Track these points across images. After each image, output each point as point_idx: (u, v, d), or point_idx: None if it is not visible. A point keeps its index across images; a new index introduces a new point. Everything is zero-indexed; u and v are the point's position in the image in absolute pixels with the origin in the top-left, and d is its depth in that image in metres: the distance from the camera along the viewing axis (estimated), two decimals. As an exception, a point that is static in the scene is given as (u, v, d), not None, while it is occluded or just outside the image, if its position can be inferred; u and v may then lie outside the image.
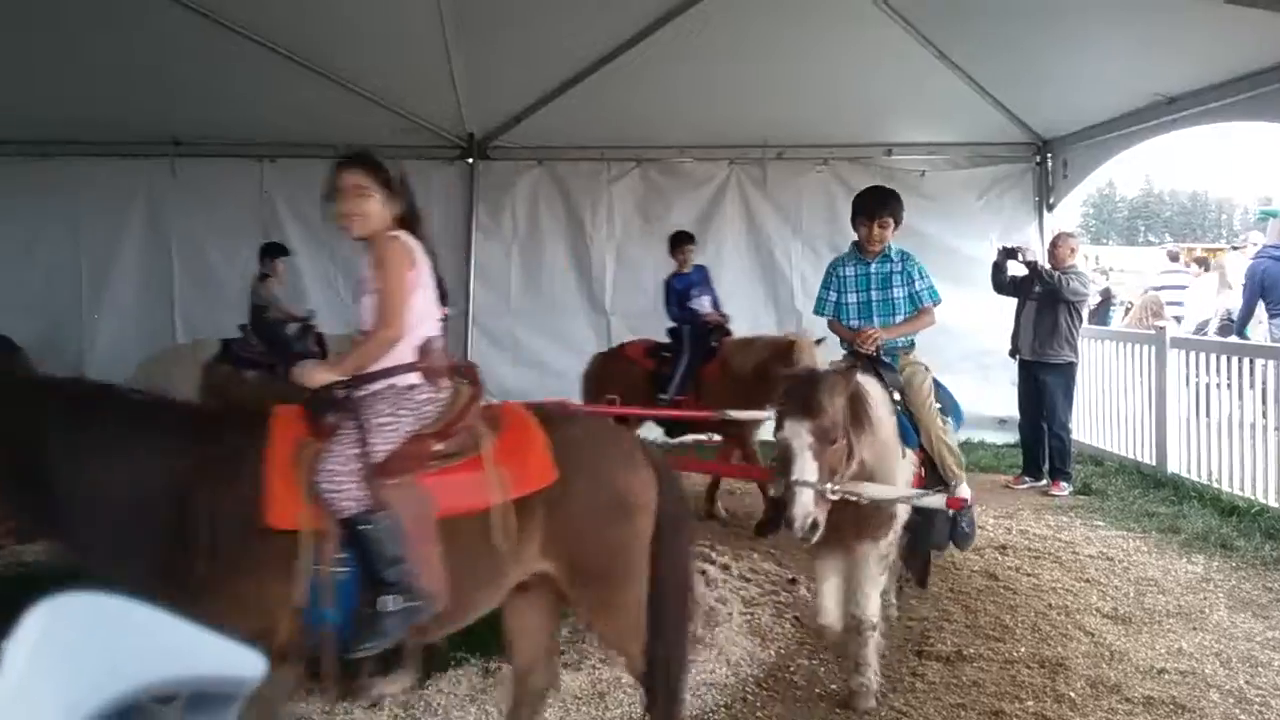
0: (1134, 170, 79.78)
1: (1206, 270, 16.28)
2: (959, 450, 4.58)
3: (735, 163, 10.55)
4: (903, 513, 4.34)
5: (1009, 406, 9.34)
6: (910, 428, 4.41)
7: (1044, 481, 8.46)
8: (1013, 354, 8.72)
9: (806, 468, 3.69)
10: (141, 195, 10.23)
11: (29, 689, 0.46)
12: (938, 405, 4.58)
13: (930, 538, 4.70)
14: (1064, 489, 8.29)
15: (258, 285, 8.67)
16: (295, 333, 8.62)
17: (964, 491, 4.50)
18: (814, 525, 3.69)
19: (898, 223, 4.84)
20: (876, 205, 4.80)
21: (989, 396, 9.85)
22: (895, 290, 4.82)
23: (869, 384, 4.23)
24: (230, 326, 9.04)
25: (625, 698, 4.38)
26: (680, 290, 7.85)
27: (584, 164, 10.52)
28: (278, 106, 9.32)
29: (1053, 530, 7.20)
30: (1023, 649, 4.97)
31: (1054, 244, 8.72)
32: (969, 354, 9.74)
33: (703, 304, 7.80)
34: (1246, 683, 4.56)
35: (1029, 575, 6.18)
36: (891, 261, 4.83)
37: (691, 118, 9.86)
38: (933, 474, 4.56)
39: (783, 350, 6.79)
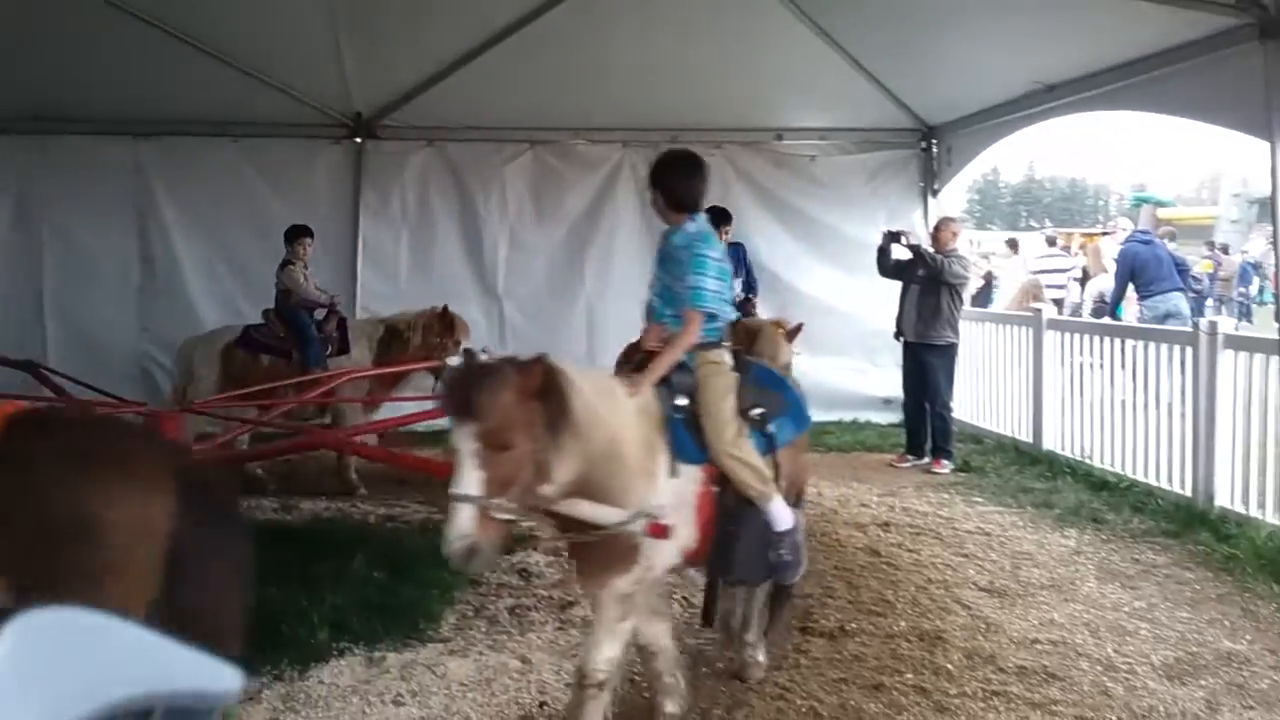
0: (1017, 157, 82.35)
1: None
2: (761, 465, 3.78)
3: (629, 145, 10.52)
4: (657, 545, 3.58)
5: (894, 387, 9.58)
6: (689, 439, 3.69)
7: (926, 459, 8.69)
8: (897, 336, 8.93)
9: (465, 479, 3.04)
10: (10, 173, 9.72)
11: (3, 704, 0.46)
12: (760, 411, 3.88)
13: (729, 569, 3.87)
14: (945, 467, 8.53)
15: (280, 271, 8.37)
16: (320, 318, 8.33)
17: (778, 513, 3.81)
18: (471, 550, 3.01)
19: (662, 191, 4.02)
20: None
21: (875, 378, 10.10)
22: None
23: (596, 380, 3.60)
24: (105, 309, 8.72)
25: (511, 683, 4.36)
26: None
27: (476, 145, 10.38)
28: (154, 82, 8.98)
29: (934, 507, 7.40)
30: (903, 623, 5.10)
31: (937, 228, 8.95)
32: (856, 336, 9.96)
33: (734, 286, 7.17)
34: (1114, 651, 4.75)
35: (910, 551, 6.34)
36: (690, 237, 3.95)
37: (585, 100, 9.80)
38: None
39: (747, 336, 6.78)
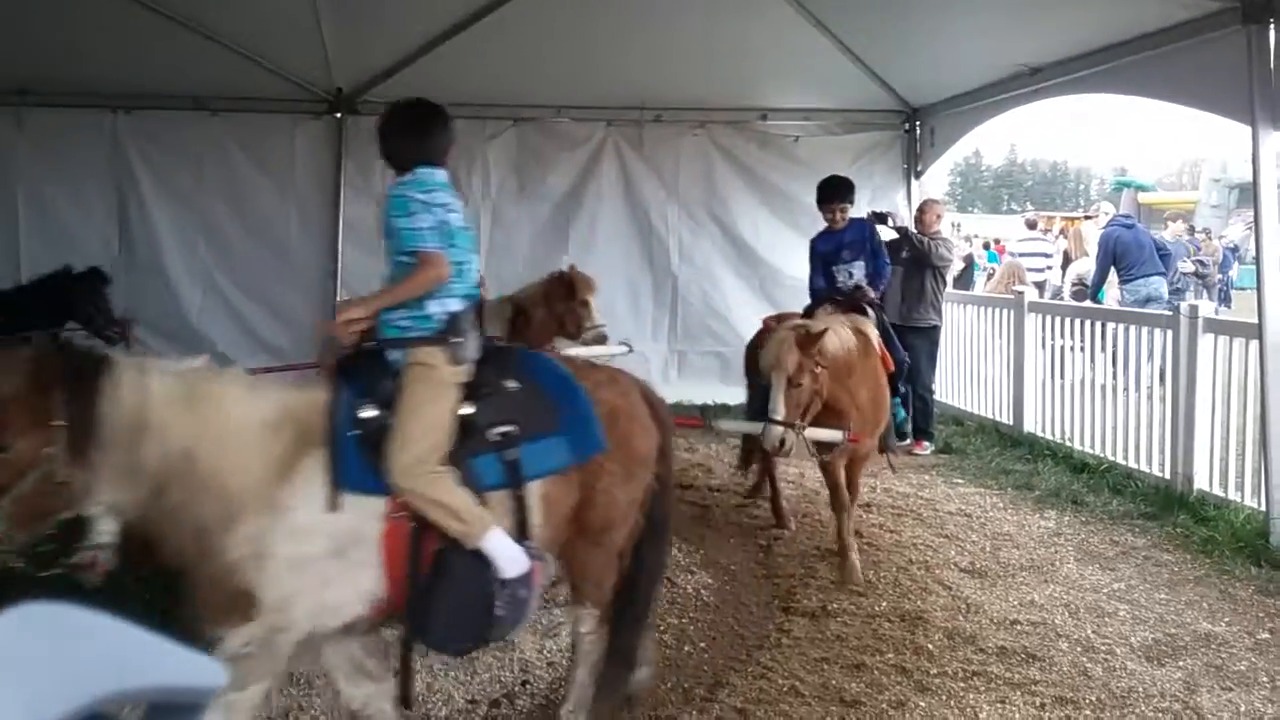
0: (999, 140, 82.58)
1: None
2: (456, 501, 3.03)
3: (613, 124, 10.47)
4: (293, 596, 2.91)
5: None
6: (363, 462, 2.98)
7: (907, 441, 8.70)
8: None
9: None
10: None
11: None
12: (504, 430, 3.16)
13: (425, 630, 3.14)
14: (926, 448, 8.56)
15: None
16: None
17: (499, 554, 3.05)
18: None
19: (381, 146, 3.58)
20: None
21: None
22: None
23: (189, 381, 2.94)
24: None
25: (493, 661, 4.34)
26: (825, 253, 6.60)
27: (458, 122, 10.09)
28: (132, 56, 8.84)
29: (915, 488, 7.43)
30: (884, 603, 5.13)
31: (921, 210, 8.95)
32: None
33: (853, 271, 6.45)
34: (1093, 632, 4.79)
35: (891, 532, 6.37)
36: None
37: (569, 77, 9.73)
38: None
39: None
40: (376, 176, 10.13)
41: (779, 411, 5.05)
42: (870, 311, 6.19)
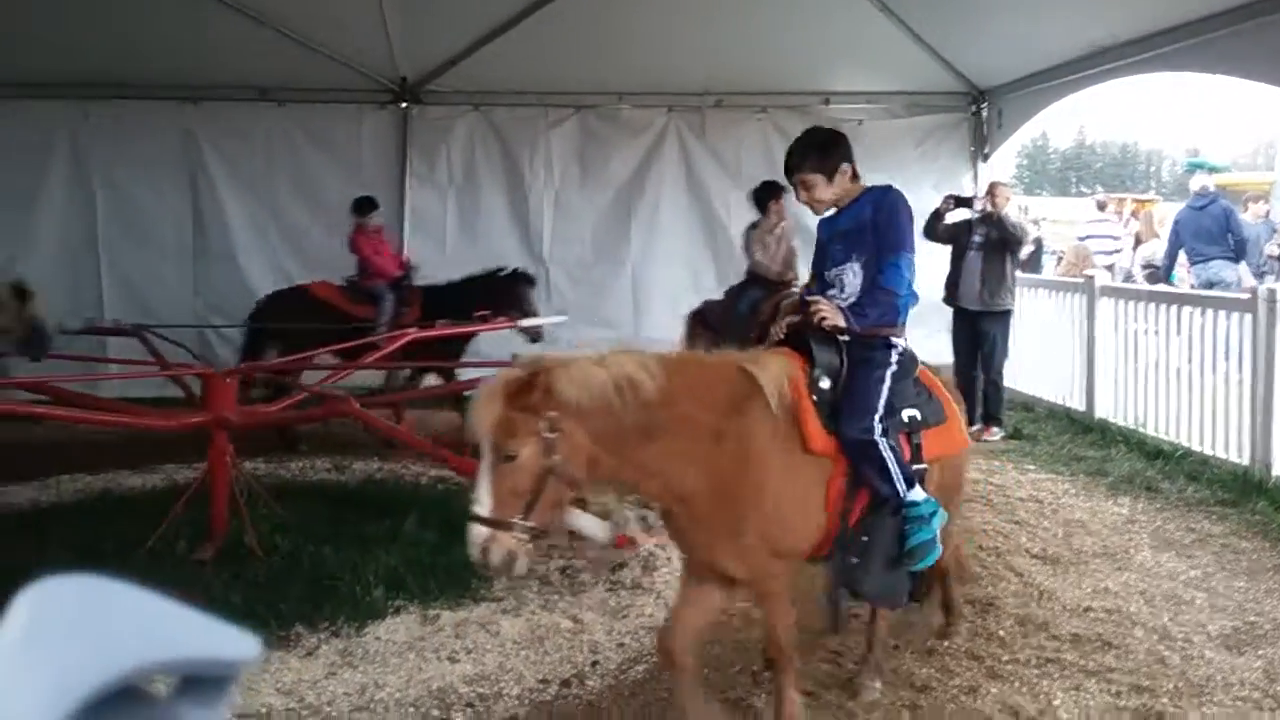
0: (1067, 121, 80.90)
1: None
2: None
3: (674, 110, 10.47)
4: None
5: (942, 354, 9.47)
6: None
7: (976, 427, 8.60)
8: (948, 301, 8.80)
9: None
10: (63, 138, 9.84)
11: (17, 674, 0.46)
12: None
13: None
14: (995, 434, 8.45)
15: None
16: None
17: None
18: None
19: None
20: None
21: (923, 345, 9.96)
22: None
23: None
24: (159, 272, 8.86)
25: (563, 642, 4.39)
26: (820, 249, 7.16)
27: (521, 110, 10.36)
28: (203, 48, 9.05)
29: (984, 474, 7.33)
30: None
31: (990, 193, 8.80)
32: (905, 302, 9.83)
33: (844, 278, 6.74)
34: (1170, 620, 4.69)
35: (961, 518, 6.28)
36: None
37: (630, 64, 9.75)
38: None
39: None
40: (441, 165, 10.29)
41: (483, 503, 3.04)
42: (823, 349, 3.48)
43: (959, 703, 3.95)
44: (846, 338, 3.49)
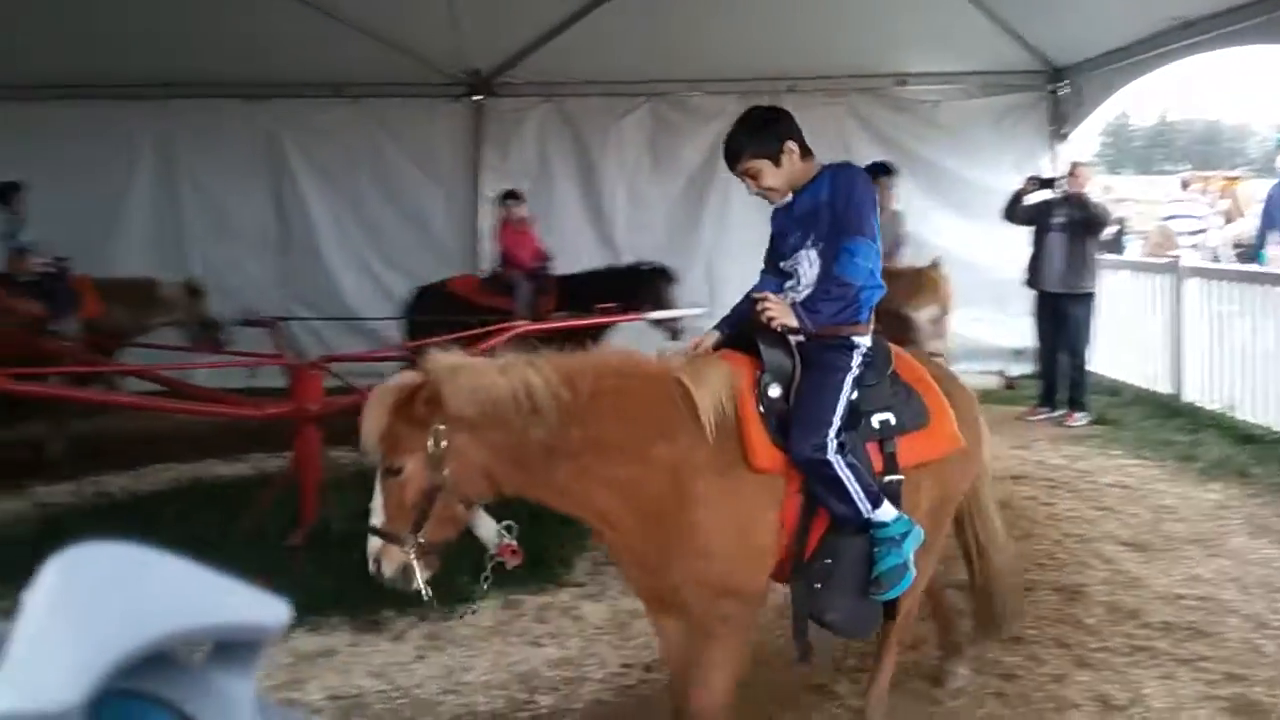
0: (1149, 98, 78.63)
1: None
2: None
3: (746, 96, 10.38)
4: None
5: (1023, 337, 9.32)
6: None
7: (1059, 412, 8.45)
8: (1029, 284, 8.64)
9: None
10: (149, 137, 10.13)
11: (49, 640, 0.47)
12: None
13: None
14: (1079, 419, 8.28)
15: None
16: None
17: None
18: None
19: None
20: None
21: (1005, 328, 9.82)
22: None
23: None
24: (245, 267, 9.11)
25: (645, 628, 4.42)
26: (774, 238, 7.24)
27: (592, 99, 10.40)
28: (283, 47, 9.22)
29: (1069, 460, 7.21)
30: (1040, 577, 5.00)
31: (1070, 173, 8.61)
32: (983, 285, 9.67)
33: (799, 268, 6.69)
34: (1265, 608, 4.57)
35: (1045, 505, 6.20)
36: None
37: (701, 51, 9.72)
38: None
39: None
40: (514, 156, 10.37)
41: (376, 515, 2.90)
42: (772, 352, 3.08)
43: (1047, 691, 3.90)
44: (800, 338, 3.09)
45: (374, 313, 9.71)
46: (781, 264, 3.29)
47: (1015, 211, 8.50)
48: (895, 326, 5.25)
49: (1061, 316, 8.37)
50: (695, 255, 10.27)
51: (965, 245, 9.89)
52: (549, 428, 2.80)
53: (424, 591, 2.87)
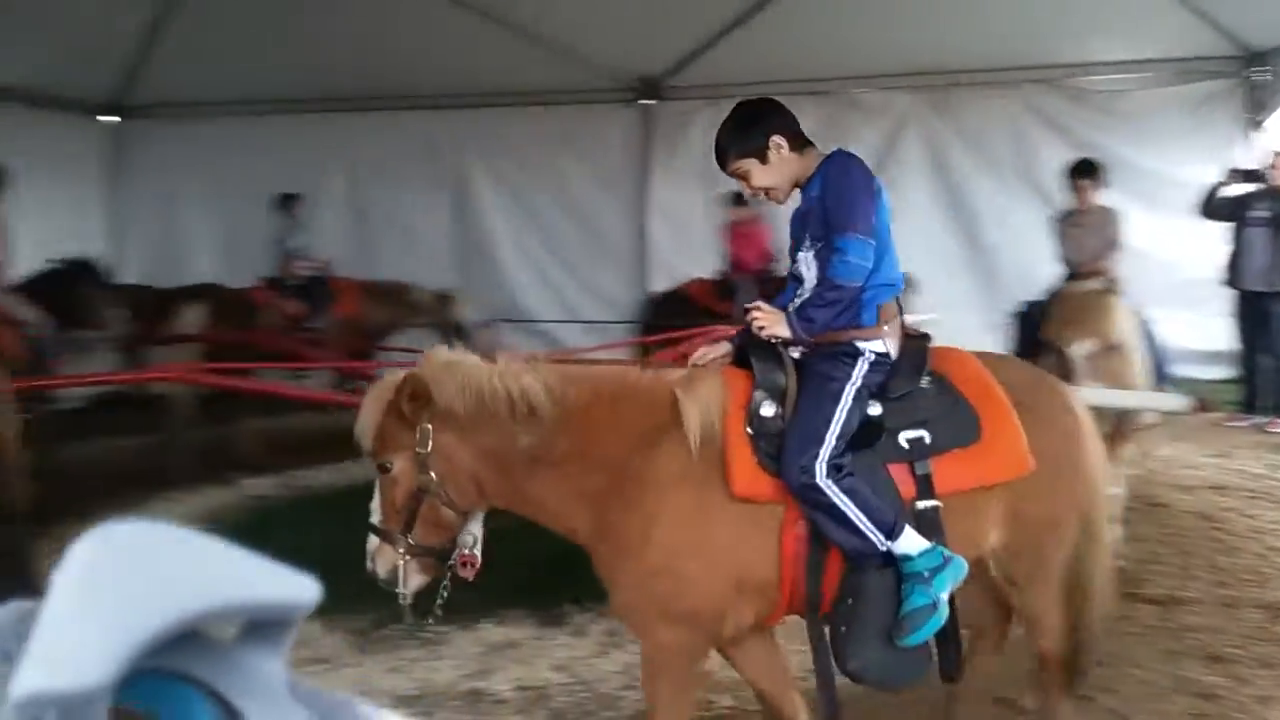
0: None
1: None
2: None
3: (915, 91, 10.21)
4: None
5: (1221, 339, 8.82)
6: None
7: (1262, 418, 7.96)
8: (1229, 283, 8.17)
9: None
10: (341, 148, 10.71)
11: (77, 619, 0.47)
12: None
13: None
14: (1283, 426, 7.80)
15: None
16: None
17: None
18: None
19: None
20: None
21: (1201, 330, 9.30)
22: None
23: None
24: (427, 273, 9.52)
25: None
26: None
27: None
28: (456, 59, 9.59)
29: (1271, 469, 6.80)
30: (1241, 592, 4.75)
31: (1273, 165, 8.11)
32: (1176, 285, 9.18)
33: (803, 272, 6.45)
34: None
35: (1246, 517, 5.87)
36: None
37: (867, 46, 9.59)
38: None
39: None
40: (683, 159, 10.45)
41: (374, 512, 2.87)
42: (765, 366, 2.84)
43: (1251, 713, 3.70)
44: (799, 349, 2.86)
45: (546, 313, 9.99)
46: (790, 269, 3.06)
47: (1212, 206, 8.05)
48: (1056, 362, 4.73)
49: (1263, 316, 7.90)
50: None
51: (1153, 242, 9.42)
52: (539, 434, 2.74)
53: (403, 596, 2.83)
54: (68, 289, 7.28)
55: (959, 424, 2.84)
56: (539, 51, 9.54)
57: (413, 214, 10.60)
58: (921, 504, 2.76)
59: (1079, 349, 4.76)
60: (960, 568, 2.71)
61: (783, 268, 8.65)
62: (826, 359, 2.81)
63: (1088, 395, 4.43)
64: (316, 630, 4.57)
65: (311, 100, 10.35)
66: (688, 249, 10.36)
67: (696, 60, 10.00)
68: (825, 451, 2.64)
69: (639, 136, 10.50)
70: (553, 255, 10.40)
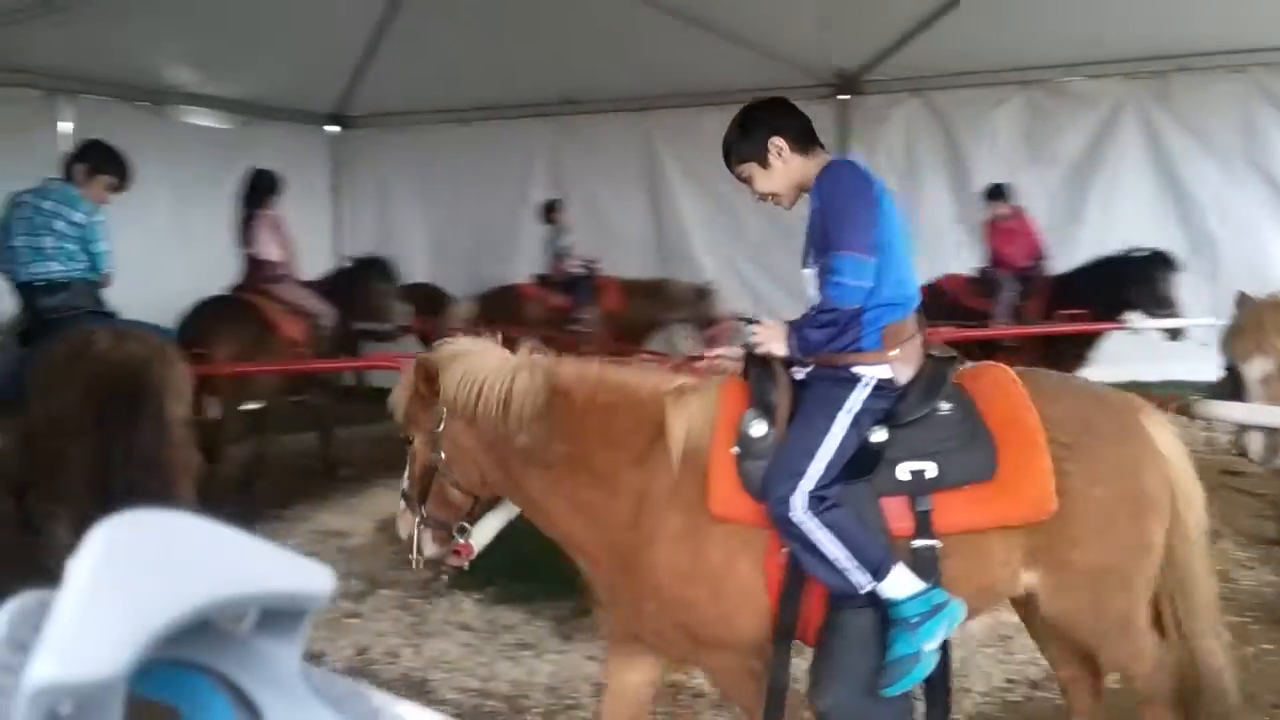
0: None
1: None
2: None
3: (1132, 78, 9.66)
4: None
5: None
6: None
7: None
8: None
9: None
10: (544, 151, 11.08)
11: (92, 609, 0.47)
12: None
13: None
14: None
15: None
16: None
17: None
18: None
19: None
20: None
21: None
22: None
23: None
24: (627, 270, 9.77)
25: (1029, 644, 4.26)
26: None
27: (962, 92, 10.08)
28: (656, 59, 9.72)
29: None
30: None
31: None
32: None
33: (810, 289, 6.23)
34: None
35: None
36: None
37: (1080, 33, 9.10)
38: None
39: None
40: (880, 154, 10.26)
41: (405, 480, 3.04)
42: (762, 384, 2.76)
43: None
44: (805, 369, 2.73)
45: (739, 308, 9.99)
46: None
47: None
48: (1229, 380, 4.37)
49: None
50: (1079, 248, 9.67)
51: None
52: (534, 436, 2.74)
53: (416, 562, 2.98)
54: (358, 284, 8.10)
55: (973, 457, 2.63)
56: (734, 49, 9.55)
57: (611, 212, 10.85)
58: (919, 542, 2.57)
59: (1252, 369, 4.28)
60: (956, 614, 2.52)
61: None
62: (824, 382, 2.69)
63: (1230, 411, 4.18)
64: (520, 617, 4.77)
65: (515, 105, 10.73)
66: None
67: (896, 52, 9.77)
68: (808, 482, 2.50)
69: (834, 132, 10.36)
70: (746, 253, 10.42)
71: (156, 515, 0.51)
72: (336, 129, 11.61)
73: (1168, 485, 2.77)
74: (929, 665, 2.50)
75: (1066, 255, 8.49)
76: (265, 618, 0.56)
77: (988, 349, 7.44)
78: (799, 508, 2.48)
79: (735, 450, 2.61)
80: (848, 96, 10.29)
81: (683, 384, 2.85)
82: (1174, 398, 4.65)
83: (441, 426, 2.84)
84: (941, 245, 9.72)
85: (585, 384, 2.81)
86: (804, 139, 2.86)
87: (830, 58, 9.95)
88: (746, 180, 2.94)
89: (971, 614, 2.68)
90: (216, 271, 7.55)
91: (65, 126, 8.15)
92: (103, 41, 7.86)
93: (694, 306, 9.22)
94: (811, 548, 2.49)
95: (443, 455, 2.86)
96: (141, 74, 8.85)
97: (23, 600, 0.50)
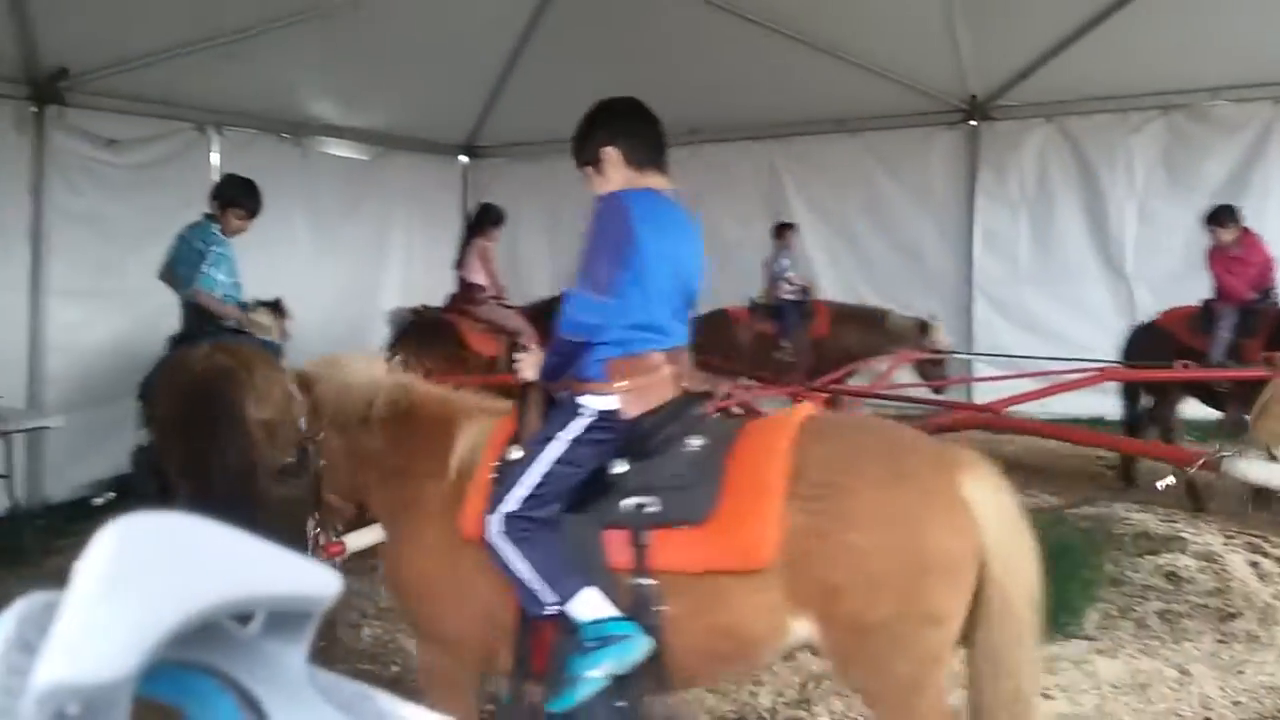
0: None
1: None
2: None
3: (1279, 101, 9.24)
4: None
5: None
6: None
7: None
8: None
9: None
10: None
11: (99, 611, 0.47)
12: None
13: None
14: None
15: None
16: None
17: None
18: None
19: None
20: None
21: None
22: None
23: None
24: (745, 298, 9.76)
25: (1169, 692, 4.09)
26: None
27: (1098, 117, 9.77)
28: (784, 87, 9.73)
29: None
30: None
31: None
32: None
33: None
34: None
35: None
36: None
37: (1224, 55, 8.76)
38: None
39: None
40: (1011, 181, 10.06)
41: None
42: (524, 409, 2.87)
43: None
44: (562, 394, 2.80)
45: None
46: None
47: None
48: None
49: None
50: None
51: None
52: (373, 441, 2.96)
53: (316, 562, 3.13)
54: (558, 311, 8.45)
55: (694, 497, 2.55)
56: (868, 77, 9.52)
57: (733, 240, 10.83)
58: (636, 580, 2.54)
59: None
60: (631, 651, 2.46)
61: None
62: (556, 409, 2.76)
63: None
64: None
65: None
66: (1015, 274, 9.90)
67: (1029, 77, 9.56)
68: (507, 505, 2.59)
69: (964, 159, 10.18)
70: (871, 283, 10.30)
71: (164, 518, 0.52)
72: (466, 159, 11.92)
73: (971, 549, 2.47)
74: (586, 691, 2.47)
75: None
76: (272, 620, 0.57)
77: (1208, 393, 7.11)
78: (494, 529, 2.59)
79: (495, 472, 2.71)
80: (977, 123, 10.09)
81: (476, 404, 3.02)
82: (1201, 453, 4.34)
83: (321, 434, 3.07)
84: (1079, 269, 9.46)
85: (414, 393, 3.01)
86: (643, 156, 2.81)
87: (963, 83, 9.80)
88: (586, 180, 2.91)
89: (730, 657, 2.63)
90: (353, 293, 7.84)
91: (215, 158, 8.57)
92: (249, 78, 8.26)
93: (915, 339, 8.83)
94: (505, 565, 2.59)
95: (321, 461, 3.09)
96: (284, 108, 9.26)
97: (30, 602, 0.50)
